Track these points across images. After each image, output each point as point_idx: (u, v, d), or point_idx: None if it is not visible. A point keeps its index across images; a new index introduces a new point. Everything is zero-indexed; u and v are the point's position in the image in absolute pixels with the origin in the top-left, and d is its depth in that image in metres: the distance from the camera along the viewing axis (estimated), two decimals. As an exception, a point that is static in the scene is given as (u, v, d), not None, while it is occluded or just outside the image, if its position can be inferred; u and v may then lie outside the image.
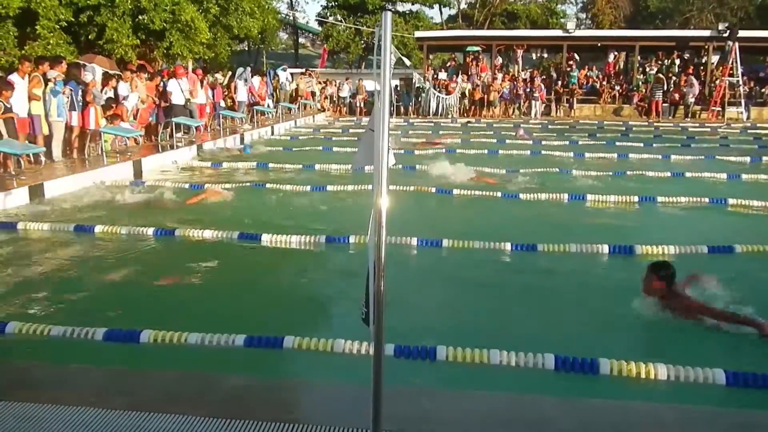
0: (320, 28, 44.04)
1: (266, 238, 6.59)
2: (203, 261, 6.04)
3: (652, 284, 4.53)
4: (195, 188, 9.66)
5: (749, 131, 19.49)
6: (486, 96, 24.76)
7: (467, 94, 24.91)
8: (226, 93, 18.66)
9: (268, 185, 9.58)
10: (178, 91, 14.41)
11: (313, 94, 24.93)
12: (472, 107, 24.91)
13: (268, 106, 20.30)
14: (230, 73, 20.30)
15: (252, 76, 19.43)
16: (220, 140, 14.81)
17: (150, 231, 6.85)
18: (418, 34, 29.99)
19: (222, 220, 7.53)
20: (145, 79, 13.65)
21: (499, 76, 25.88)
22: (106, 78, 12.63)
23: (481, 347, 3.68)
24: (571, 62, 26.52)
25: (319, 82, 26.41)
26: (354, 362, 3.66)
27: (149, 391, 3.11)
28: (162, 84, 14.62)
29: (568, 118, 23.96)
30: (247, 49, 41.31)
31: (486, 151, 14.03)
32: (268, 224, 7.24)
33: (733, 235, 6.66)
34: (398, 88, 25.41)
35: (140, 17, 16.96)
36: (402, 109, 24.77)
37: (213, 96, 16.73)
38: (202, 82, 15.87)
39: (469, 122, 22.34)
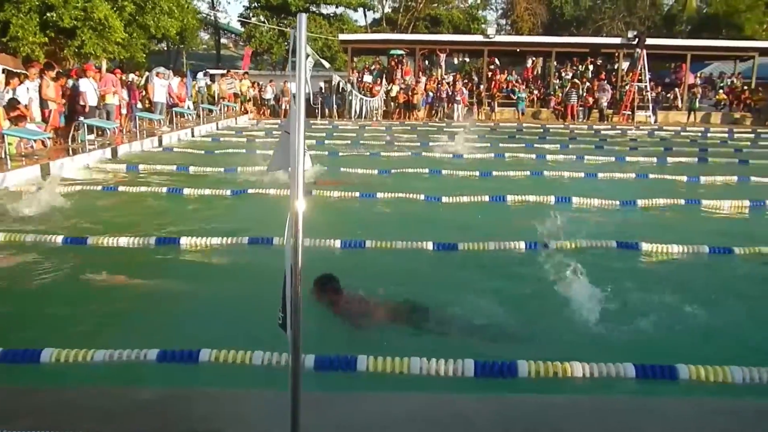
0: (243, 29, 43.32)
1: (185, 242, 6.38)
2: (118, 269, 5.76)
3: (328, 296, 4.64)
4: (108, 190, 9.27)
5: (656, 133, 20.67)
6: (410, 99, 25.06)
7: (395, 97, 25.11)
8: (143, 94, 17.97)
9: (186, 189, 9.27)
10: (91, 90, 13.76)
11: (235, 95, 24.43)
12: (397, 110, 25.16)
13: (188, 107, 19.72)
14: (147, 73, 19.60)
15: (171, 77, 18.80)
16: (136, 143, 14.25)
17: (59, 239, 6.47)
18: (342, 36, 29.95)
19: (138, 225, 7.23)
20: (52, 79, 12.92)
21: (423, 79, 26.26)
22: (10, 77, 11.89)
23: (401, 355, 3.64)
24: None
25: (253, 84, 26.09)
26: (275, 373, 3.57)
27: (55, 409, 2.92)
28: (73, 84, 13.92)
29: (489, 121, 24.57)
30: (166, 48, 40.03)
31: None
32: (187, 228, 7.01)
33: (640, 232, 7.02)
34: (323, 91, 25.29)
35: (48, 14, 16.12)
36: (327, 111, 24.69)
37: (129, 97, 16.07)
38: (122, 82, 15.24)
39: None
